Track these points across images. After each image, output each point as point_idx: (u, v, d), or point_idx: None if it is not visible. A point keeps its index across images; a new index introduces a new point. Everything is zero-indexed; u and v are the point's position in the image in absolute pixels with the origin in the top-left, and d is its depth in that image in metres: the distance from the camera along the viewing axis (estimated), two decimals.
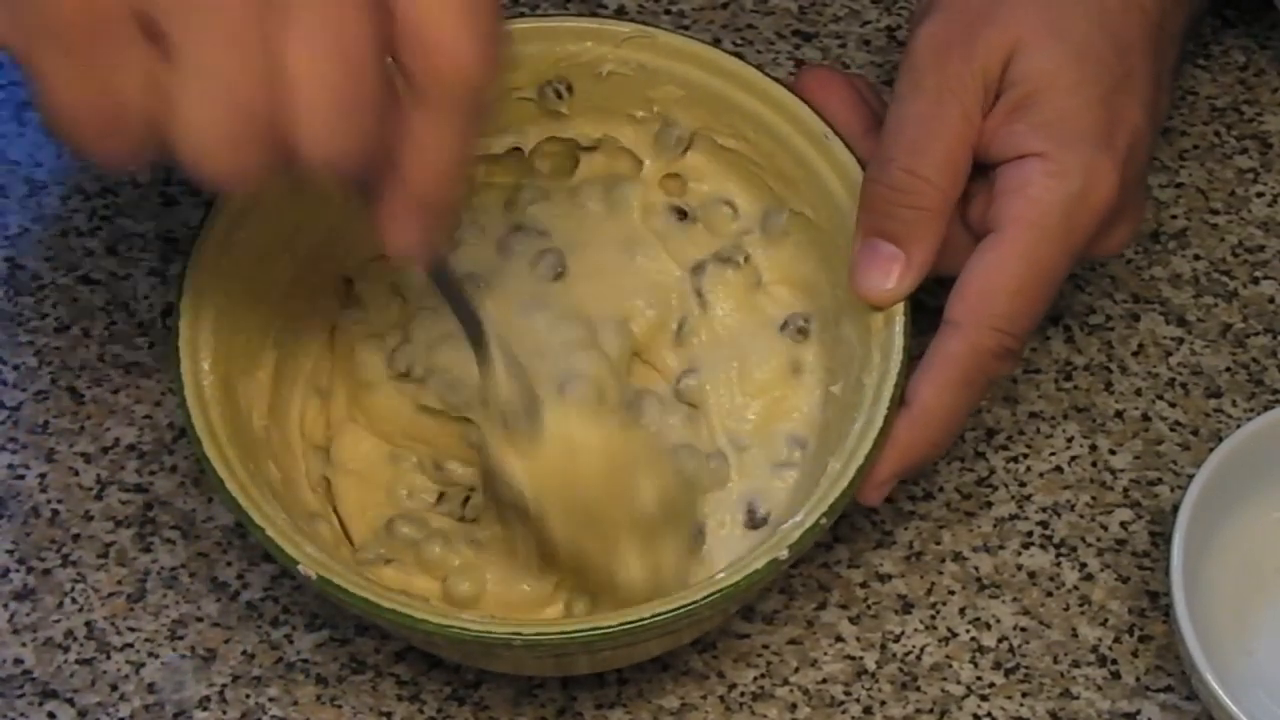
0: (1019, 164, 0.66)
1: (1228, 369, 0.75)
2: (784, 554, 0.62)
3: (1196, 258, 0.77)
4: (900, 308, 0.66)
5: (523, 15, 0.74)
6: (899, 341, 0.65)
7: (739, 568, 0.62)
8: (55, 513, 0.71)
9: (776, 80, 0.70)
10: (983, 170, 0.67)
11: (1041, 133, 0.65)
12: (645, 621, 0.61)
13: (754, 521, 0.68)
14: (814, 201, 0.69)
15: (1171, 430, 0.74)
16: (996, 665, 0.69)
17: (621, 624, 0.61)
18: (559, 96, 0.72)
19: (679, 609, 0.61)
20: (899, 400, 0.64)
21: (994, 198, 0.66)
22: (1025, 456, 0.73)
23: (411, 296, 0.70)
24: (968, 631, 0.70)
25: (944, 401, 0.65)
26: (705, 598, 0.61)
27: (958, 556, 0.71)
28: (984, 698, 0.68)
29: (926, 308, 0.67)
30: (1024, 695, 0.69)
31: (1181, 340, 0.75)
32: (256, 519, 0.62)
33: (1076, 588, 0.70)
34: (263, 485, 0.64)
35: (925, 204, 0.65)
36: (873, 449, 0.64)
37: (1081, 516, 0.72)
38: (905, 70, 0.67)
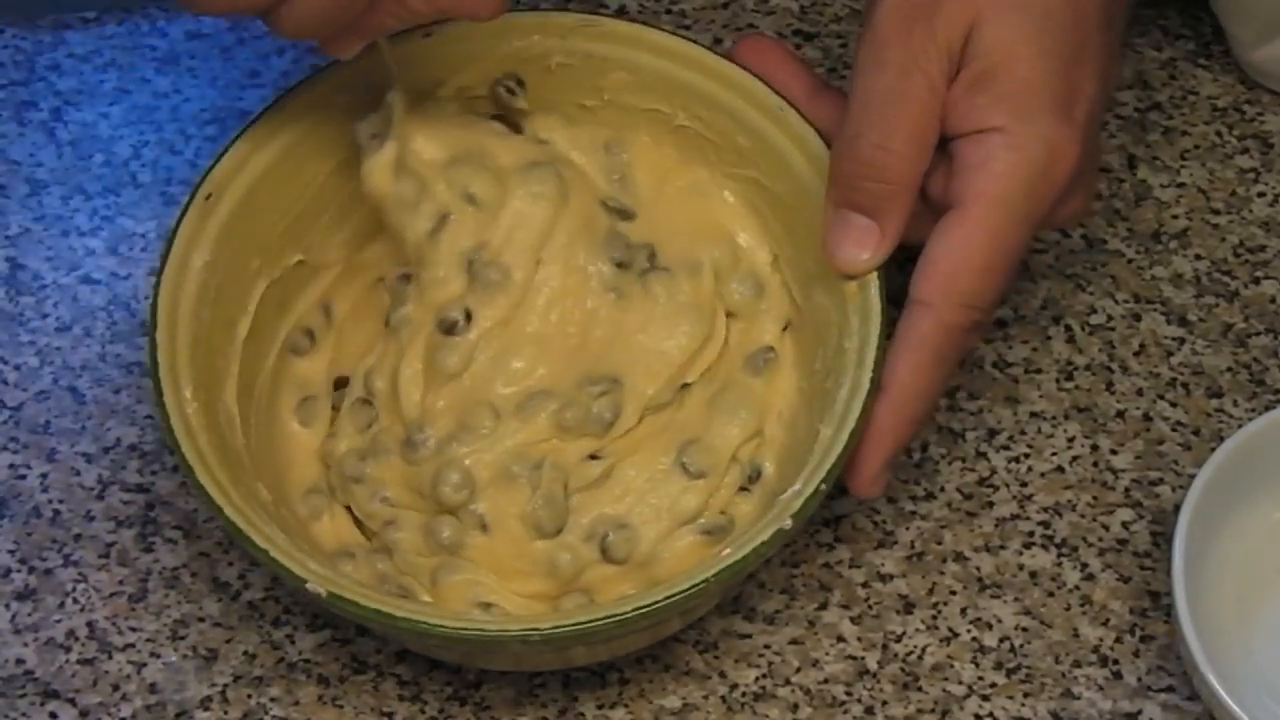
0: (979, 138, 0.66)
1: (1229, 369, 0.75)
2: (788, 524, 0.62)
3: (1198, 258, 0.77)
4: (874, 273, 0.66)
5: None
6: (877, 305, 0.65)
7: (744, 541, 0.61)
8: (57, 513, 0.71)
9: (726, 58, 0.70)
10: (940, 143, 0.67)
11: (1002, 106, 0.65)
12: (643, 610, 0.61)
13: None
14: (773, 174, 0.69)
15: (1173, 430, 0.74)
16: (998, 665, 0.69)
17: (617, 614, 0.61)
18: (511, 93, 0.71)
19: (682, 591, 0.61)
20: (883, 363, 0.64)
21: (954, 172, 0.66)
22: (1026, 456, 0.73)
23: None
24: (969, 631, 0.70)
25: (921, 381, 0.65)
26: (715, 574, 0.61)
27: (959, 556, 0.71)
28: (985, 698, 0.68)
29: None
30: (1025, 695, 0.69)
31: (1183, 340, 0.75)
32: (259, 542, 0.62)
33: (1078, 588, 0.70)
34: (256, 506, 0.64)
35: (896, 178, 0.66)
36: (862, 413, 0.63)
37: (1083, 516, 0.72)
38: (868, 43, 0.66)
